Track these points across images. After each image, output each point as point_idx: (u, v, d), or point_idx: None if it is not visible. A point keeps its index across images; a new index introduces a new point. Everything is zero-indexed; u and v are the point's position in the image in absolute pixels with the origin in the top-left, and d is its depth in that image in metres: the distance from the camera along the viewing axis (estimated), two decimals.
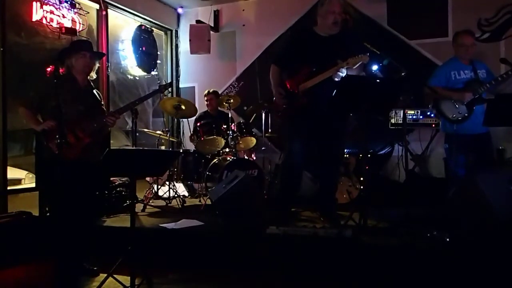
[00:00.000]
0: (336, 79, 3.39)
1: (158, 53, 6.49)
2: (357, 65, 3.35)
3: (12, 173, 4.39)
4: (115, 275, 2.60)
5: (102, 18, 5.43)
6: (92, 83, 3.28)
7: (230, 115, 5.15)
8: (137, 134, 3.92)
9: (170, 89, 6.53)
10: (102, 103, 3.35)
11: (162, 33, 6.80)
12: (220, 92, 6.02)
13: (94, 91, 3.27)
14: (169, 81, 6.74)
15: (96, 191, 3.51)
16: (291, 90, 3.65)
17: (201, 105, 5.88)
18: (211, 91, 5.69)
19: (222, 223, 3.70)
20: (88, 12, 5.13)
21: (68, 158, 2.89)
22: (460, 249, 2.81)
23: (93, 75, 3.25)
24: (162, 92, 3.52)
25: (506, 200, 2.93)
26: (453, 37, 3.92)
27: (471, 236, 2.91)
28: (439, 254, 2.75)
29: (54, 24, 4.57)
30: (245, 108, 5.75)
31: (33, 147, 4.11)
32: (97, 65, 3.30)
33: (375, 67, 4.82)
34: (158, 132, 5.20)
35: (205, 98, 5.67)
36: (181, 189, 5.10)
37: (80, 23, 4.84)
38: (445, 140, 3.95)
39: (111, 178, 4.45)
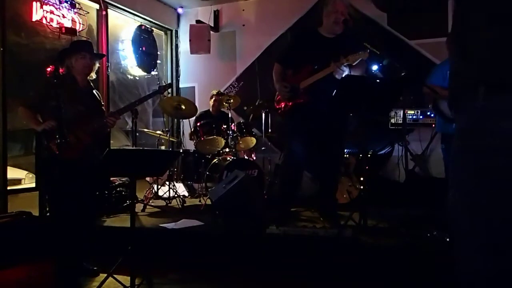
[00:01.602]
0: (337, 76, 3.40)
1: (158, 53, 6.49)
2: (357, 61, 3.36)
3: (12, 173, 4.39)
4: (115, 275, 2.60)
5: (102, 18, 5.43)
6: (92, 83, 3.28)
7: (230, 115, 5.15)
8: (137, 134, 3.93)
9: (169, 90, 6.51)
10: (102, 103, 3.36)
11: (162, 33, 6.79)
12: None
13: (94, 91, 3.27)
14: (169, 81, 6.74)
15: (96, 191, 3.51)
16: (294, 85, 3.65)
17: (201, 105, 5.86)
18: (219, 91, 5.61)
19: (222, 223, 3.70)
20: (88, 12, 5.13)
21: (68, 158, 2.89)
22: None
23: (93, 75, 3.25)
24: (162, 93, 3.53)
25: None
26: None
27: None
28: (439, 254, 2.75)
29: (54, 24, 4.57)
30: (245, 108, 5.74)
31: (33, 147, 4.12)
32: (97, 65, 3.30)
33: (375, 67, 4.81)
34: (158, 132, 5.20)
35: (213, 99, 5.52)
36: (181, 189, 5.10)
37: (80, 23, 4.84)
38: (441, 141, 3.95)
39: (111, 178, 4.45)
